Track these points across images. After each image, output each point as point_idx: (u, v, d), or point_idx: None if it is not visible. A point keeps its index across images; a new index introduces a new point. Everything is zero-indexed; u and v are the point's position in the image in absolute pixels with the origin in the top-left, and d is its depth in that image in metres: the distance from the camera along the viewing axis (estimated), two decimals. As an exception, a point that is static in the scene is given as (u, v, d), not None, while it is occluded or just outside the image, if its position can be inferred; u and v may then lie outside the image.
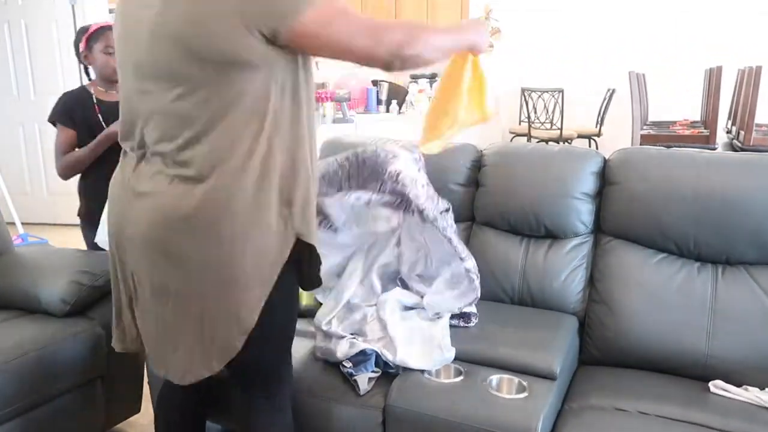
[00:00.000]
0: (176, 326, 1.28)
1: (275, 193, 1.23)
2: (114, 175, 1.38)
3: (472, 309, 1.81)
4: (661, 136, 4.72)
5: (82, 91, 2.28)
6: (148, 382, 1.97)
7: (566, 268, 1.95)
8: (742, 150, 3.93)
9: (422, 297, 1.84)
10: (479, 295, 1.79)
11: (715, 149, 4.19)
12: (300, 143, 1.27)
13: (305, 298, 2.05)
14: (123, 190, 1.33)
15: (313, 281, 1.38)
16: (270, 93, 1.21)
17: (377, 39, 1.20)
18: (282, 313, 1.34)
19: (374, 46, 1.20)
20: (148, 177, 1.27)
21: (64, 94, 2.27)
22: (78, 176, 2.29)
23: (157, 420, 1.58)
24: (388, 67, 1.24)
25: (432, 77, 6.99)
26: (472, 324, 1.79)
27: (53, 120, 2.24)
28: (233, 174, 1.20)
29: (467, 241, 2.11)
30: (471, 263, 1.78)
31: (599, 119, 6.23)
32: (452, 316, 1.79)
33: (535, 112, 6.03)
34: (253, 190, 1.21)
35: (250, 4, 1.15)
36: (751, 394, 1.54)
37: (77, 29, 2.44)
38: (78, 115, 2.23)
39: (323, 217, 1.78)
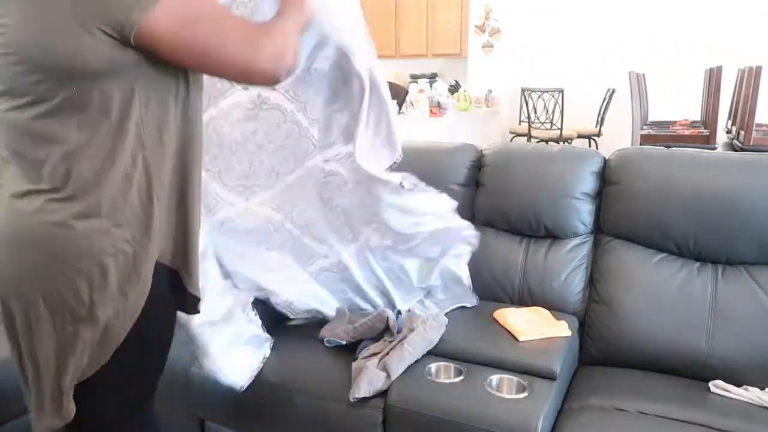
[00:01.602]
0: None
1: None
2: None
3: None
4: (661, 136, 4.72)
5: None
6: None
7: (566, 268, 1.95)
8: (742, 150, 3.93)
9: None
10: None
11: (715, 149, 4.19)
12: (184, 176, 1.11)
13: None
14: None
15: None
16: (131, 106, 1.02)
17: (256, 48, 1.03)
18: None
19: (253, 57, 1.03)
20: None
21: None
22: None
23: None
24: (273, 81, 1.10)
25: (432, 77, 6.99)
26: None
27: None
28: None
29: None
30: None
31: (599, 119, 6.24)
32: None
33: (535, 112, 6.03)
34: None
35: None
36: (751, 394, 1.54)
37: None
38: None
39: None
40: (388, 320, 1.71)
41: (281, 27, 1.10)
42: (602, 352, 1.83)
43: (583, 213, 1.96)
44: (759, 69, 3.86)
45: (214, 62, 1.02)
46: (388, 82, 5.82)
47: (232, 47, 1.01)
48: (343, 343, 1.71)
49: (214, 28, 1.01)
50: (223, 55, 1.01)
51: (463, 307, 1.96)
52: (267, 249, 1.78)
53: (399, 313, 1.90)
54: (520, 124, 6.50)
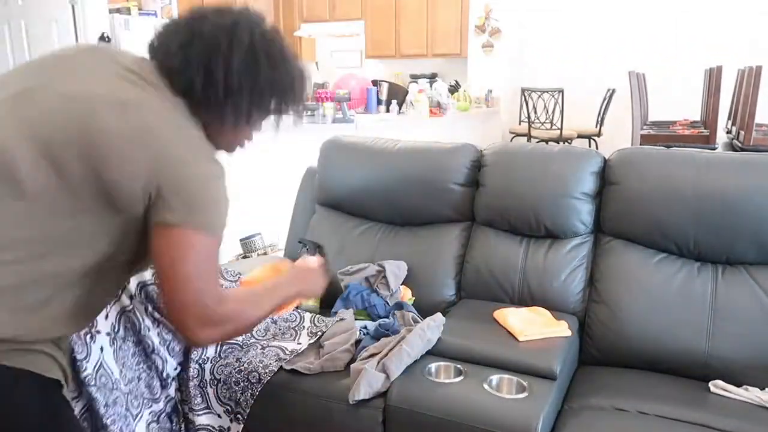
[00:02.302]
0: None
1: None
2: None
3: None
4: (661, 136, 4.72)
5: None
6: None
7: (566, 268, 1.95)
8: (742, 150, 3.92)
9: None
10: None
11: (715, 149, 4.19)
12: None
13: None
14: None
15: None
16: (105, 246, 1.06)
17: (210, 309, 1.06)
18: None
19: (199, 310, 1.05)
20: None
21: None
22: None
23: None
24: (194, 340, 1.09)
25: (432, 77, 6.99)
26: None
27: None
28: None
29: (467, 242, 2.11)
30: None
31: (599, 119, 6.24)
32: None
33: (535, 112, 6.03)
34: None
35: (166, 167, 1.02)
36: (751, 394, 1.54)
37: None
38: None
39: None
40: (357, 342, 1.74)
41: (243, 307, 1.16)
42: (602, 352, 1.83)
43: (583, 213, 1.96)
44: (759, 69, 3.86)
45: (167, 287, 1.05)
46: (388, 82, 5.76)
47: (192, 289, 1.05)
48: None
49: (199, 269, 1.05)
50: (181, 287, 1.04)
51: (461, 307, 1.96)
52: None
53: (393, 313, 1.90)
54: (520, 124, 6.50)
